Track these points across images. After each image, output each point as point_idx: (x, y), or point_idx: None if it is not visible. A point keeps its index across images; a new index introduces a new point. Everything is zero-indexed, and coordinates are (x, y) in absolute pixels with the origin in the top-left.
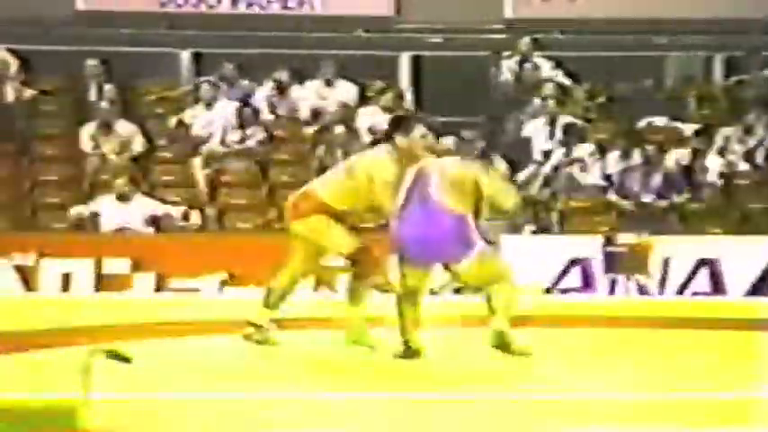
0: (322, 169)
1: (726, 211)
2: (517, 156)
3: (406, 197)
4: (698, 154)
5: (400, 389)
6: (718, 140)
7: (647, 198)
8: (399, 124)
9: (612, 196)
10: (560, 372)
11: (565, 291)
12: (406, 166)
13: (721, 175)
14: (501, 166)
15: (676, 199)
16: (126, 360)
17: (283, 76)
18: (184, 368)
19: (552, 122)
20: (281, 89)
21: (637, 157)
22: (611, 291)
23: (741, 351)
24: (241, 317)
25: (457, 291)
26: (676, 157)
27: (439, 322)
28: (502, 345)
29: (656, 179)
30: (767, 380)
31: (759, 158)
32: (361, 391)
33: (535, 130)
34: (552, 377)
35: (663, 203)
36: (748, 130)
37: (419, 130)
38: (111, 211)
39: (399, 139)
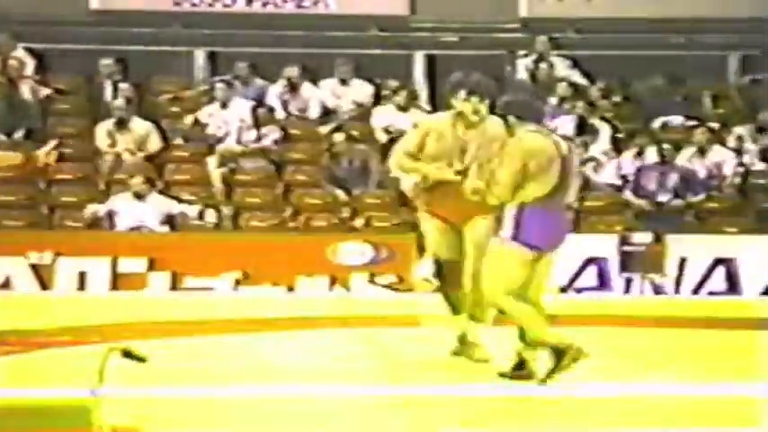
0: (337, 168)
1: (742, 209)
2: None
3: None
4: (713, 153)
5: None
6: (733, 139)
7: (663, 197)
8: None
9: (628, 195)
10: (577, 371)
11: (580, 290)
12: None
13: (737, 174)
14: None
15: (692, 198)
16: (141, 359)
17: (294, 72)
18: (198, 366)
19: (570, 121)
20: (293, 86)
21: (652, 156)
22: (627, 290)
23: (756, 350)
24: (256, 316)
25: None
26: (692, 155)
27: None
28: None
29: (672, 178)
30: None
31: None
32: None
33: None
34: (569, 376)
35: (679, 203)
36: (763, 129)
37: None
38: (126, 210)
39: None
